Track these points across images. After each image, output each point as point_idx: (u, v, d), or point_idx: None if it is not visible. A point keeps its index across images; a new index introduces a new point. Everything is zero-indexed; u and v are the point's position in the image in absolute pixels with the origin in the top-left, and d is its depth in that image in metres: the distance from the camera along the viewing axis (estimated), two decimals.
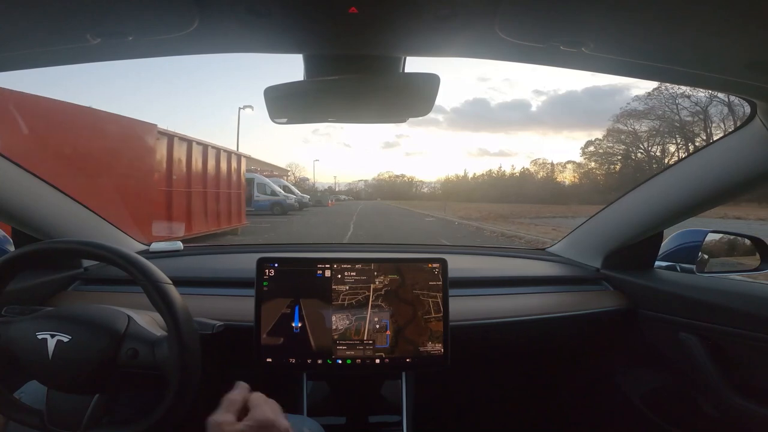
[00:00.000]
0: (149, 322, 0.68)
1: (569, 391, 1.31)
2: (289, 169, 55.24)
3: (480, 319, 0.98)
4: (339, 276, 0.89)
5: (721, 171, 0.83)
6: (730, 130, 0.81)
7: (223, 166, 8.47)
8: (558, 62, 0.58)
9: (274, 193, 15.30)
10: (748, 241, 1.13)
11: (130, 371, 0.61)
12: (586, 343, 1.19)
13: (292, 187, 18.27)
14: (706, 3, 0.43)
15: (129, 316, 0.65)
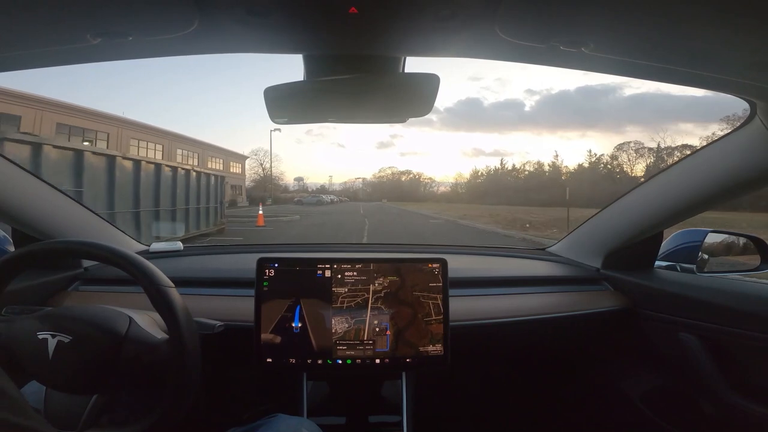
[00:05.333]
0: (150, 323, 0.68)
1: (569, 391, 1.31)
2: (250, 156, 38.11)
3: (480, 319, 0.98)
4: (339, 276, 0.89)
5: (721, 171, 0.83)
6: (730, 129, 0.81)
7: None
8: (558, 62, 0.58)
9: None
10: (748, 241, 1.13)
11: (129, 372, 0.61)
12: (586, 343, 1.19)
13: None
14: (706, 3, 0.43)
15: (130, 318, 0.65)
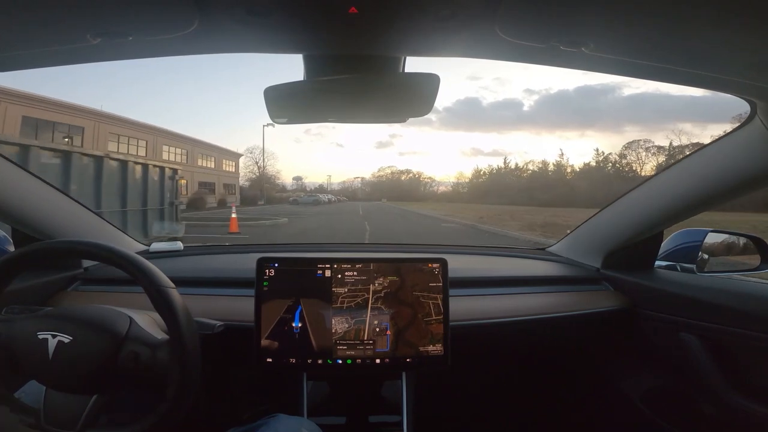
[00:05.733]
0: (150, 323, 0.68)
1: (569, 391, 1.31)
2: (245, 154, 36.94)
3: (480, 319, 0.98)
4: (339, 276, 0.89)
5: (721, 171, 0.83)
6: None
7: None
8: (558, 62, 0.58)
9: None
10: (748, 241, 1.13)
11: (129, 373, 0.61)
12: (586, 342, 1.19)
13: None
14: (707, 3, 0.43)
15: (131, 318, 0.65)
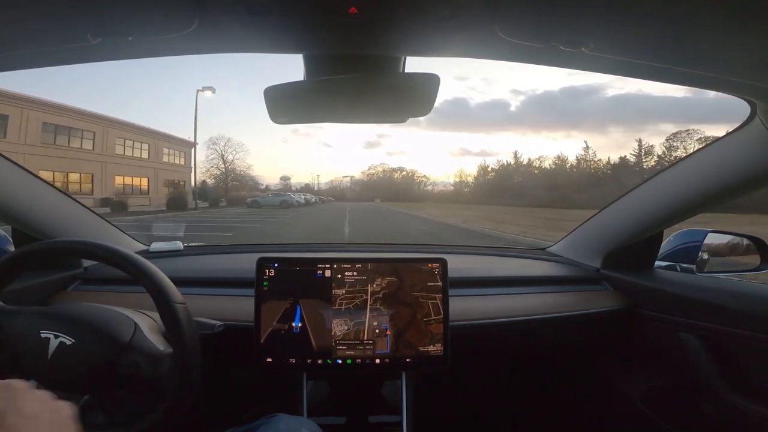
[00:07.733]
0: (152, 326, 0.67)
1: (569, 391, 1.31)
2: (205, 144, 31.43)
3: (480, 319, 0.98)
4: (339, 276, 0.89)
5: (721, 171, 0.83)
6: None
7: None
8: (558, 62, 0.58)
9: None
10: (748, 241, 1.13)
11: (128, 379, 0.61)
12: (587, 343, 1.19)
13: None
14: (707, 4, 0.43)
15: (135, 324, 0.65)
